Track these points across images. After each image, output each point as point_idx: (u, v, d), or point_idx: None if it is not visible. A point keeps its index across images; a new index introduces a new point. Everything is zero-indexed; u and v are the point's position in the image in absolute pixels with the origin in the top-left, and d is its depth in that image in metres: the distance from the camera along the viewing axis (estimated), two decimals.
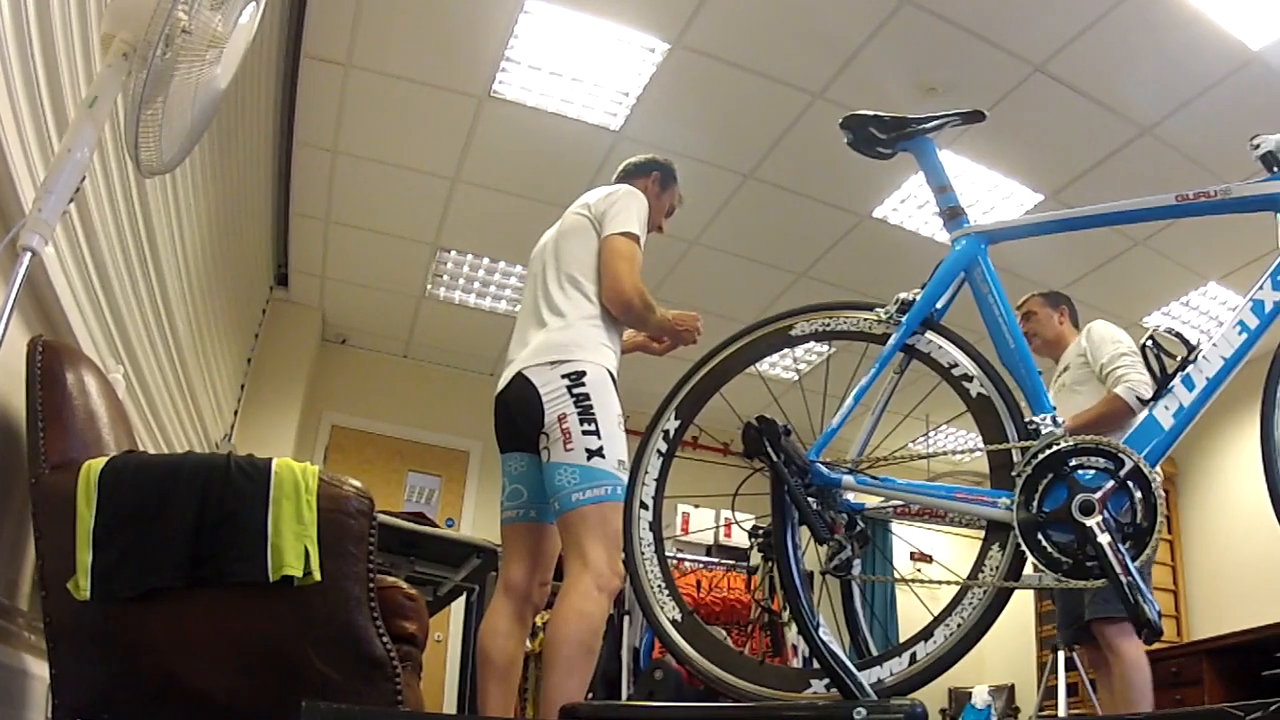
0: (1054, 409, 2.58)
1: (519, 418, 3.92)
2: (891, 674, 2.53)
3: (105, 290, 4.77)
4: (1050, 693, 7.52)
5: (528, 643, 9.01)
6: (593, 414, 3.80)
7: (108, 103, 2.91)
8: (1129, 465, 2.40)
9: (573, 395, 3.81)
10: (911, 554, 11.73)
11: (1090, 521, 2.35)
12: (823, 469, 2.72)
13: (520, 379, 3.93)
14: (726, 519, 9.75)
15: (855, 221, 9.30)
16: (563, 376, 3.87)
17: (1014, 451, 2.56)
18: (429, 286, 10.93)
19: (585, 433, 3.78)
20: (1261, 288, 2.54)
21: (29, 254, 2.64)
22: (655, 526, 3.01)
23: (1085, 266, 9.52)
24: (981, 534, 2.60)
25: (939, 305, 2.84)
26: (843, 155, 3.23)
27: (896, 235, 9.37)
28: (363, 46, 7.46)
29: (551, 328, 4.10)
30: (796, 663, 7.71)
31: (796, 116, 7.96)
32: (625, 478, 3.39)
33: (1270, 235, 2.58)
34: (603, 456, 3.76)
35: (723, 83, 7.67)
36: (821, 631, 2.48)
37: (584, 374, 3.88)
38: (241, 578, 2.91)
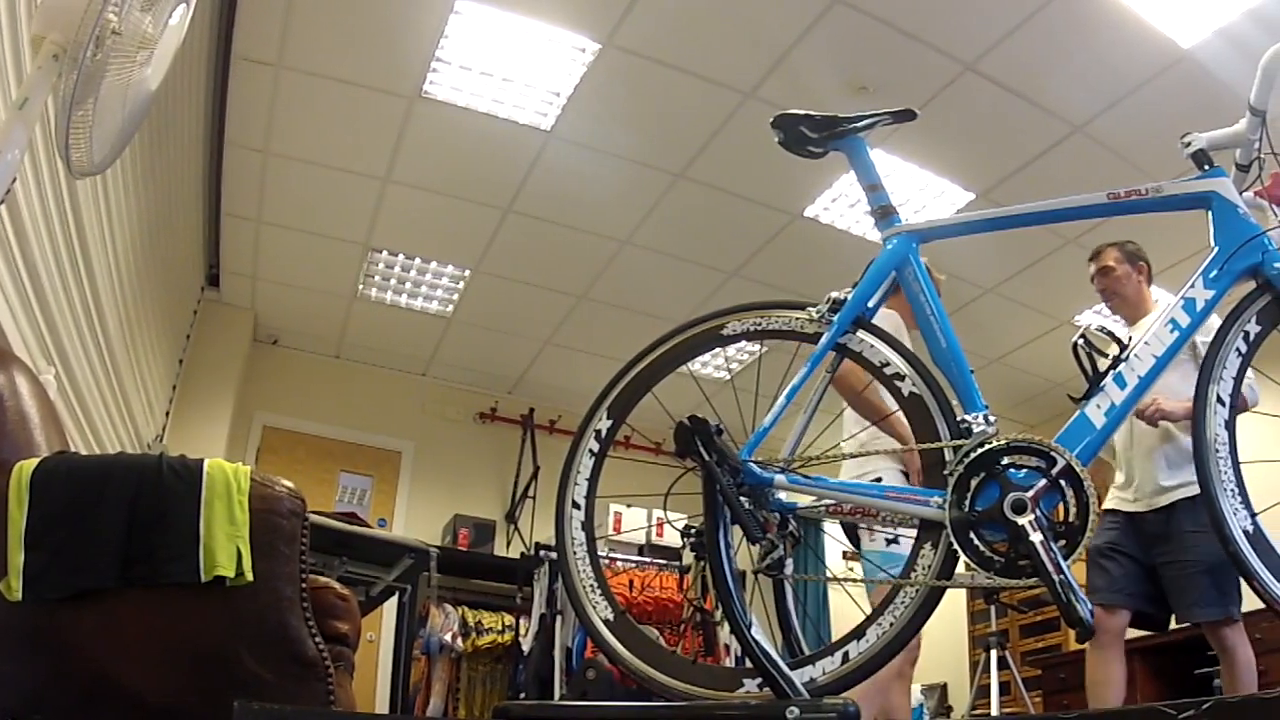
0: (986, 407, 2.59)
1: None
2: (824, 673, 2.53)
3: (36, 291, 4.73)
4: (983, 691, 7.55)
5: (460, 643, 9.01)
6: None
7: (38, 104, 2.89)
8: (1061, 464, 2.40)
9: None
10: (844, 553, 11.77)
11: (1022, 520, 2.36)
12: (755, 468, 2.71)
13: None
14: (659, 518, 9.75)
15: (787, 221, 9.31)
16: None
17: (946, 450, 2.56)
18: (360, 287, 10.86)
19: None
20: (1193, 286, 2.56)
21: None
22: (587, 526, 3.00)
23: (1017, 265, 9.58)
24: (913, 533, 2.60)
25: (870, 304, 2.84)
26: (774, 154, 3.22)
27: (828, 234, 9.38)
28: (293, 47, 7.41)
29: None
30: (729, 662, 7.73)
31: (728, 116, 7.96)
32: None
33: (1201, 233, 2.60)
34: None
35: (654, 82, 7.67)
36: (754, 631, 2.47)
37: None
38: (174, 578, 2.87)
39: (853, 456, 5.10)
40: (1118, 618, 5.04)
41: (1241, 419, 2.49)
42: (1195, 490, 4.75)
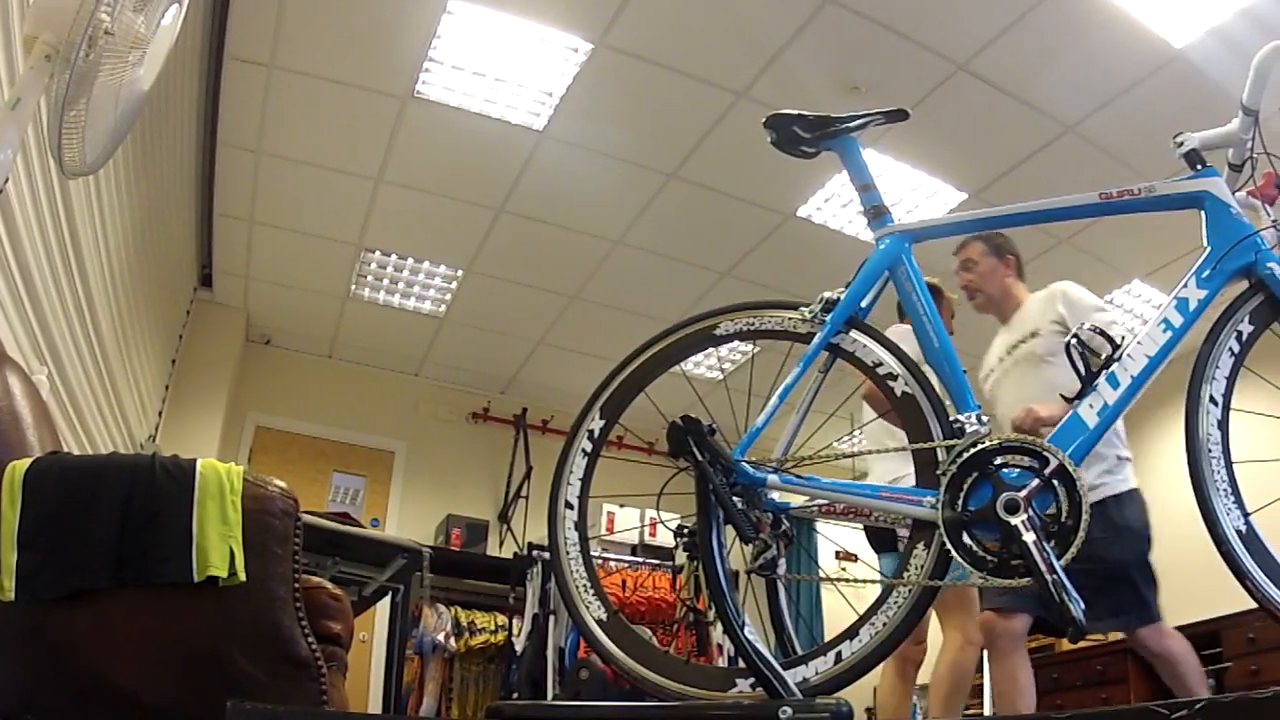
0: (979, 407, 2.59)
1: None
2: (817, 673, 2.53)
3: (29, 291, 4.73)
4: (976, 691, 7.55)
5: (453, 643, 9.01)
6: None
7: (30, 104, 2.89)
8: (1054, 464, 2.41)
9: None
10: (837, 553, 11.79)
11: (1015, 520, 2.36)
12: (748, 468, 2.71)
13: None
14: (652, 518, 9.75)
15: (779, 221, 9.32)
16: None
17: (939, 450, 2.56)
18: (353, 287, 10.85)
19: None
20: (1186, 285, 2.56)
21: None
22: (580, 526, 3.00)
23: None
24: (907, 533, 2.60)
25: (863, 304, 2.84)
26: (766, 154, 3.22)
27: (820, 234, 9.39)
28: (286, 47, 7.40)
29: None
30: (722, 662, 7.73)
31: (720, 116, 7.96)
32: None
33: (1194, 233, 2.60)
34: None
35: (646, 82, 7.67)
36: (747, 631, 2.47)
37: None
38: (166, 578, 2.88)
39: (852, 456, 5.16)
40: (1014, 622, 4.90)
41: (1235, 419, 2.49)
42: (1106, 493, 4.76)
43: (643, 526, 10.03)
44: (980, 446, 2.47)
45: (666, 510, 2.84)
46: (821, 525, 3.30)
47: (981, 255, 5.49)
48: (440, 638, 8.98)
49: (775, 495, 2.76)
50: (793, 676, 2.48)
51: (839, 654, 2.52)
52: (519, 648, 8.75)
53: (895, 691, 5.38)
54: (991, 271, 5.48)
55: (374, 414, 12.20)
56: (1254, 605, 2.32)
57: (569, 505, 3.03)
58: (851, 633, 2.53)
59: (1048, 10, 6.67)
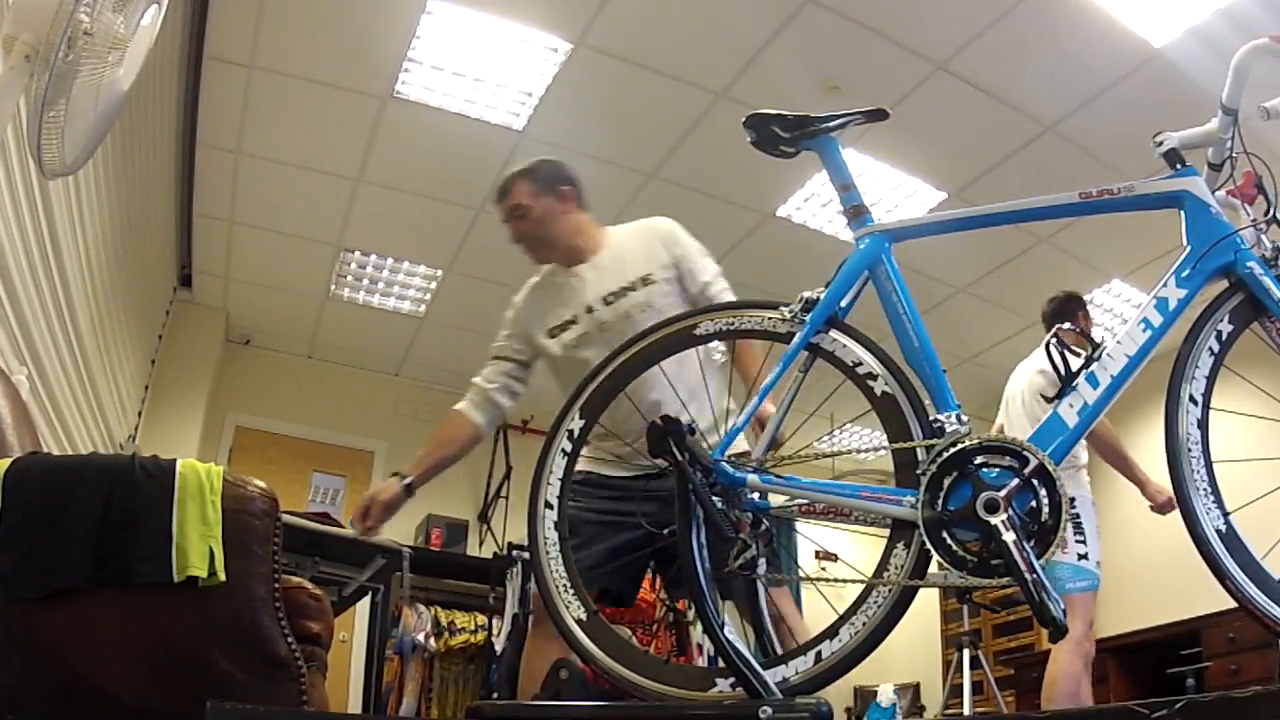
0: (959, 406, 2.59)
1: None
2: (797, 673, 2.52)
3: (8, 292, 4.72)
4: (956, 691, 7.56)
5: (433, 643, 8.97)
6: None
7: (10, 104, 2.90)
8: (1034, 463, 2.40)
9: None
10: (816, 552, 11.81)
11: (995, 519, 2.35)
12: (728, 468, 2.70)
13: None
14: None
15: (759, 220, 9.34)
16: None
17: (919, 450, 2.56)
18: (333, 287, 10.85)
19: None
20: (1165, 285, 2.55)
21: None
22: (560, 526, 2.99)
23: (989, 264, 9.62)
24: (886, 533, 2.60)
25: (843, 304, 2.82)
26: (746, 154, 3.21)
27: (800, 234, 9.41)
28: (265, 48, 7.39)
29: None
30: (702, 662, 7.72)
31: (699, 116, 7.97)
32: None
33: (1174, 232, 2.60)
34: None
35: (626, 82, 7.68)
36: (726, 630, 2.46)
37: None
38: (146, 578, 2.89)
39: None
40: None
41: (1215, 418, 2.49)
42: None
43: None
44: (960, 446, 2.47)
45: None
46: (801, 525, 3.28)
47: (533, 196, 4.53)
48: (420, 638, 8.98)
49: (755, 495, 2.75)
50: (773, 676, 2.47)
51: (819, 654, 2.51)
52: (499, 648, 8.74)
53: (1073, 678, 5.62)
54: (549, 211, 4.55)
55: (354, 414, 12.19)
56: (1234, 605, 2.32)
57: (549, 505, 3.02)
58: (831, 632, 2.52)
59: (1027, 10, 6.69)
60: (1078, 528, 5.63)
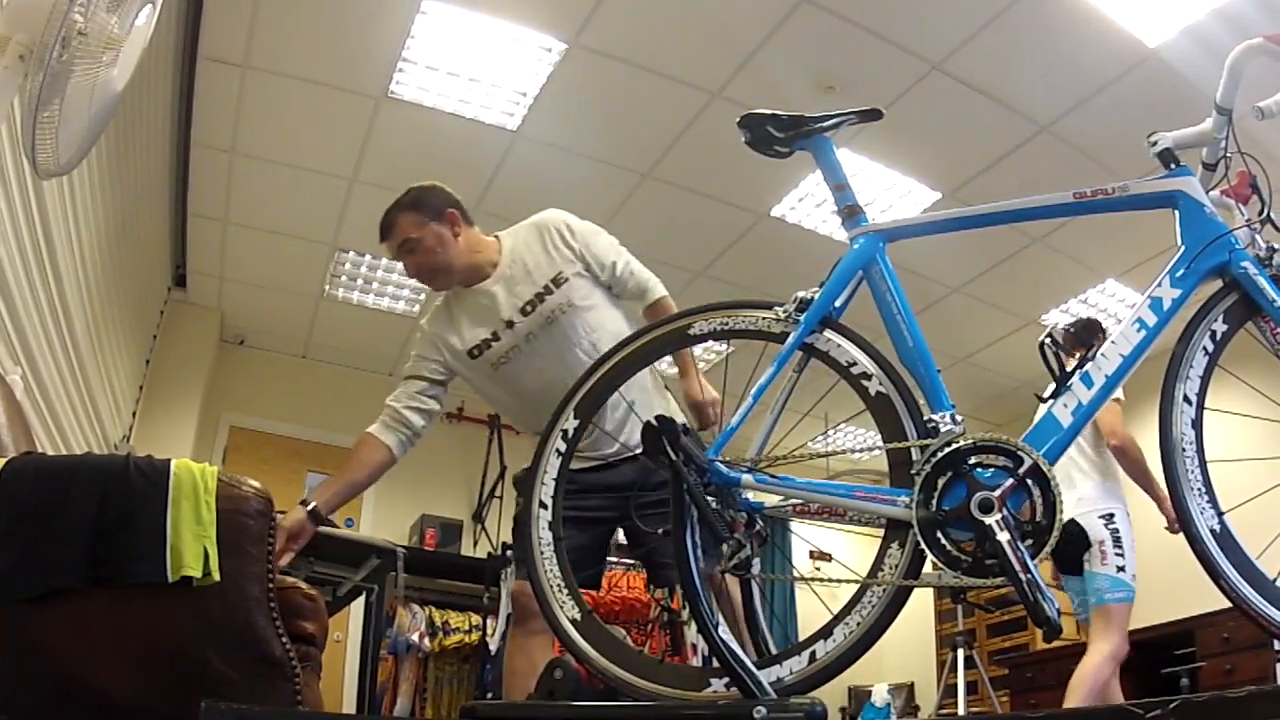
0: (953, 406, 2.58)
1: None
2: (791, 672, 2.52)
3: (2, 291, 4.72)
4: (950, 690, 7.58)
5: (427, 643, 8.96)
6: None
7: (4, 104, 2.89)
8: (1028, 463, 2.40)
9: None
10: (811, 552, 11.81)
11: (989, 519, 2.35)
12: (722, 468, 2.70)
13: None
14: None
15: (753, 220, 9.34)
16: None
17: (913, 449, 2.55)
18: (327, 287, 10.85)
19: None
20: (1160, 285, 2.55)
21: None
22: (554, 526, 2.99)
23: (983, 264, 9.62)
24: (880, 533, 2.59)
25: (837, 304, 2.82)
26: (741, 154, 3.22)
27: (794, 234, 9.41)
28: (260, 48, 7.39)
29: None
30: (696, 662, 7.72)
31: (694, 115, 7.97)
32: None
33: (1168, 232, 2.60)
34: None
35: (620, 82, 7.67)
36: (721, 630, 2.46)
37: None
38: (141, 578, 2.88)
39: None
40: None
41: (1209, 418, 2.49)
42: None
43: None
44: (954, 446, 2.47)
45: None
46: (796, 525, 3.28)
47: (419, 227, 4.52)
48: (414, 638, 8.96)
49: (749, 495, 2.75)
50: (767, 676, 2.47)
51: (813, 654, 2.51)
52: (493, 647, 8.72)
53: (1099, 683, 5.66)
54: (439, 238, 4.49)
55: (348, 414, 12.09)
56: (1228, 605, 2.32)
57: (543, 505, 3.02)
58: (826, 632, 2.52)
59: (1022, 10, 6.69)
60: (1117, 541, 5.79)
